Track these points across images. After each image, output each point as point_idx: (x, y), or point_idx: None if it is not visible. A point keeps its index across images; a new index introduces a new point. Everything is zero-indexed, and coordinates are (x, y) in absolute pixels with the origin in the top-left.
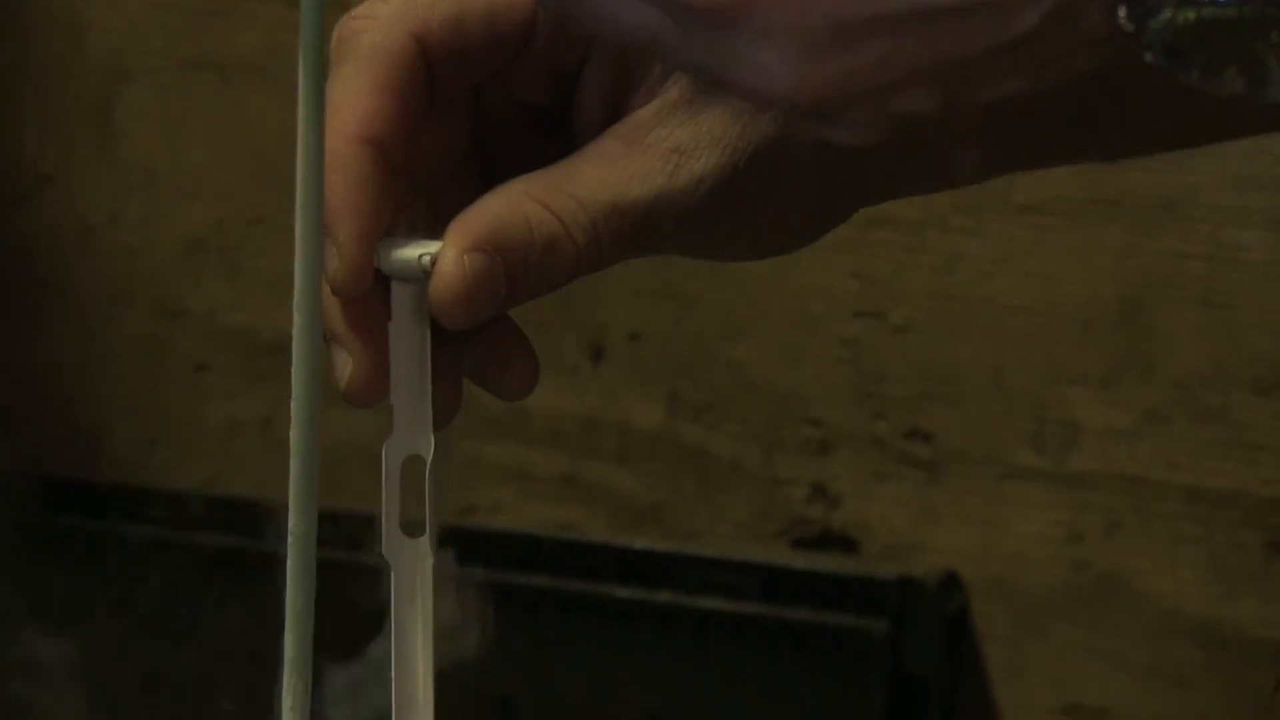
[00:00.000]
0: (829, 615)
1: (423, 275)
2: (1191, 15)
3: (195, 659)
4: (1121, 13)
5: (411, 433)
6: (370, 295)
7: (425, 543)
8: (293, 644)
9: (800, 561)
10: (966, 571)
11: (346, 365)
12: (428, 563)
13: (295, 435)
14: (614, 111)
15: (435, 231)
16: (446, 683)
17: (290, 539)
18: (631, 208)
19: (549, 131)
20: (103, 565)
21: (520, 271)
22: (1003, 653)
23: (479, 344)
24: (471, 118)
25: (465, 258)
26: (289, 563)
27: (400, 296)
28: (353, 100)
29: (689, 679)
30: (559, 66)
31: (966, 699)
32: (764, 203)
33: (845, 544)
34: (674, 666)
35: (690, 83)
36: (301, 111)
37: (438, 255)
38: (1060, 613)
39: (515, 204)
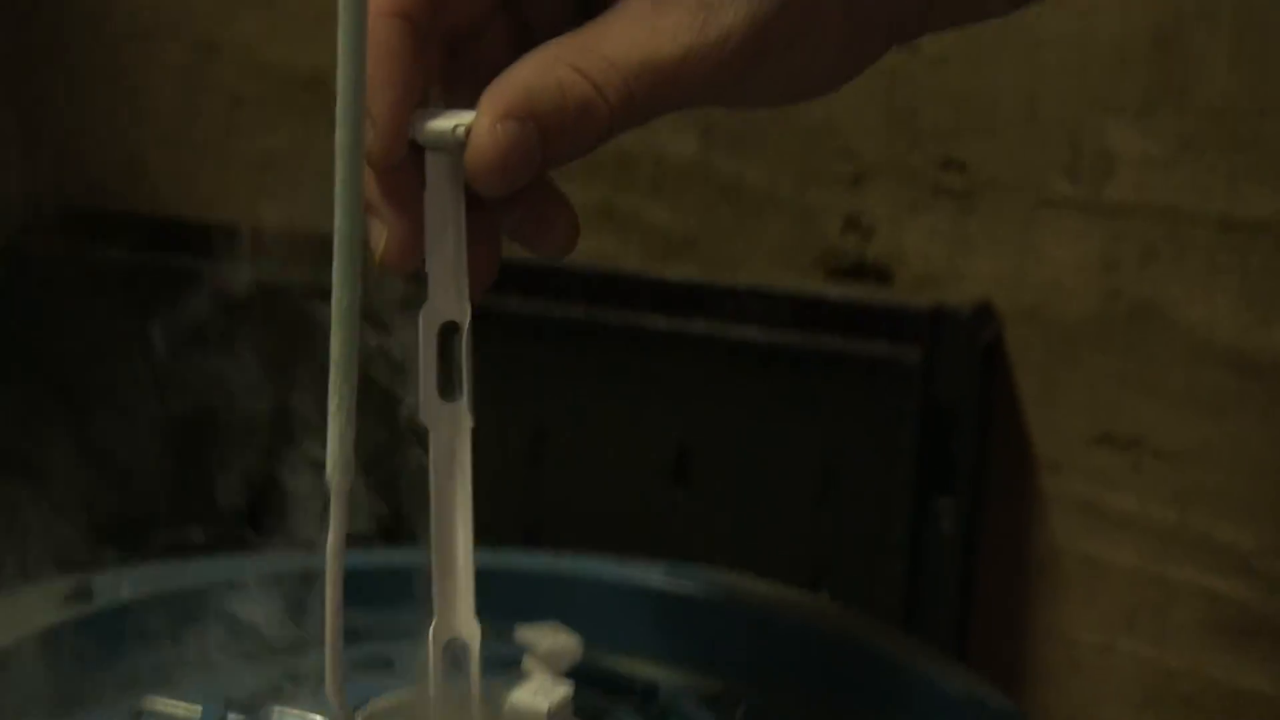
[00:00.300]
0: (862, 344)
1: (457, 145)
2: None
3: (237, 386)
4: None
5: (447, 300)
6: (404, 165)
7: (463, 407)
8: (338, 346)
9: (834, 291)
10: (1000, 300)
11: (381, 234)
12: (466, 427)
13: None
14: None
15: (471, 100)
16: (482, 415)
17: (336, 239)
18: (663, 65)
19: None
20: (140, 295)
21: (554, 136)
22: (1036, 382)
23: (517, 204)
24: None
25: (499, 126)
26: (334, 264)
27: (435, 167)
28: None
29: (722, 409)
30: None
31: (999, 428)
32: (794, 50)
33: (879, 274)
34: (707, 396)
35: None
36: None
37: (471, 125)
38: (1094, 341)
39: (547, 69)
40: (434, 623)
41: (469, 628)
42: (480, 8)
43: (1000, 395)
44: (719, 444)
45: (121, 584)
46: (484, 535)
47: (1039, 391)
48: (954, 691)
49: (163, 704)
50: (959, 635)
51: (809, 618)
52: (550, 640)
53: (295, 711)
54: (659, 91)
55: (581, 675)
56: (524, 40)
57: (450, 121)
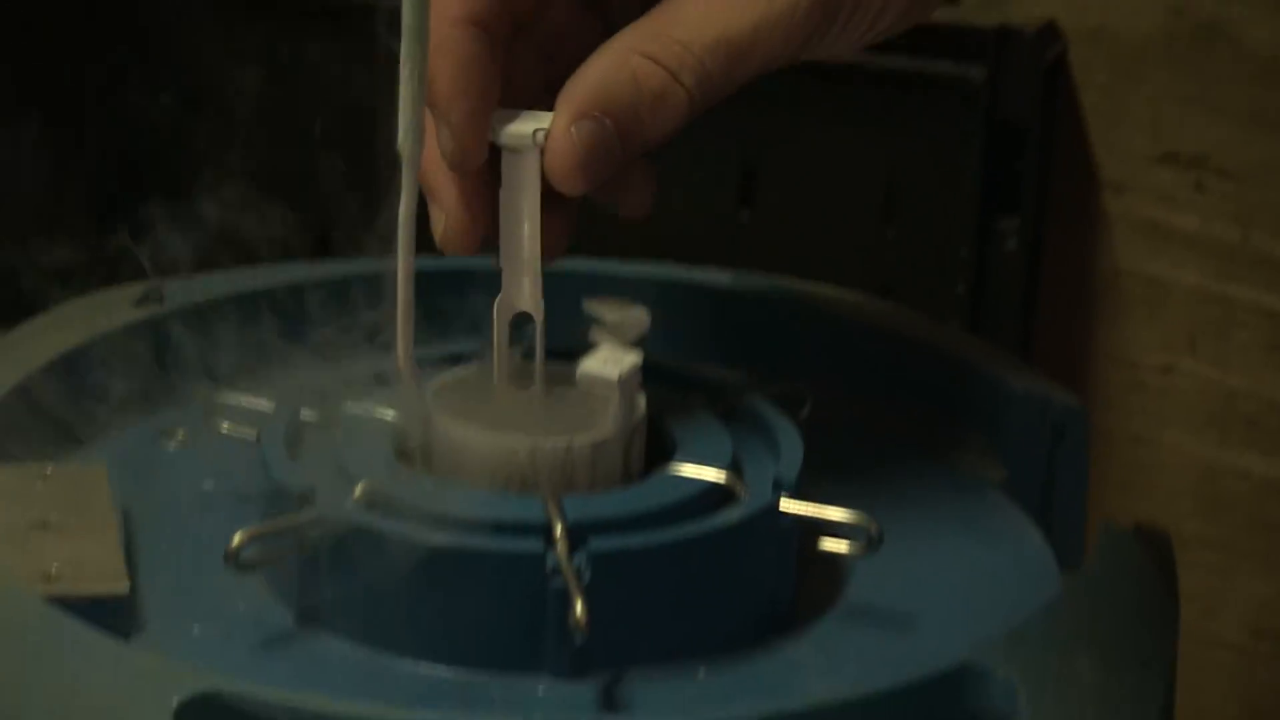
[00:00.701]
0: (927, 63)
1: (535, 148)
2: None
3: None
4: None
5: (520, 293)
6: None
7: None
8: (410, 8)
9: None
10: (1065, 19)
11: (441, 219)
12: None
13: None
14: None
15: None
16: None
17: None
18: (735, 40)
19: None
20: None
21: (632, 128)
22: (1100, 100)
23: None
24: None
25: (573, 128)
26: None
27: (512, 167)
28: None
29: (787, 129)
30: None
31: (1063, 148)
32: (864, 3)
33: None
34: (772, 117)
35: None
36: None
37: (549, 128)
38: (1158, 60)
39: (620, 61)
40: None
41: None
42: (564, 13)
43: (1065, 115)
44: (784, 165)
45: (195, 288)
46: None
47: (1103, 111)
48: (1018, 389)
49: (235, 399)
50: (1021, 356)
51: (874, 318)
52: (618, 312)
53: (365, 404)
54: (735, 67)
55: (648, 373)
56: (610, 27)
57: (529, 125)
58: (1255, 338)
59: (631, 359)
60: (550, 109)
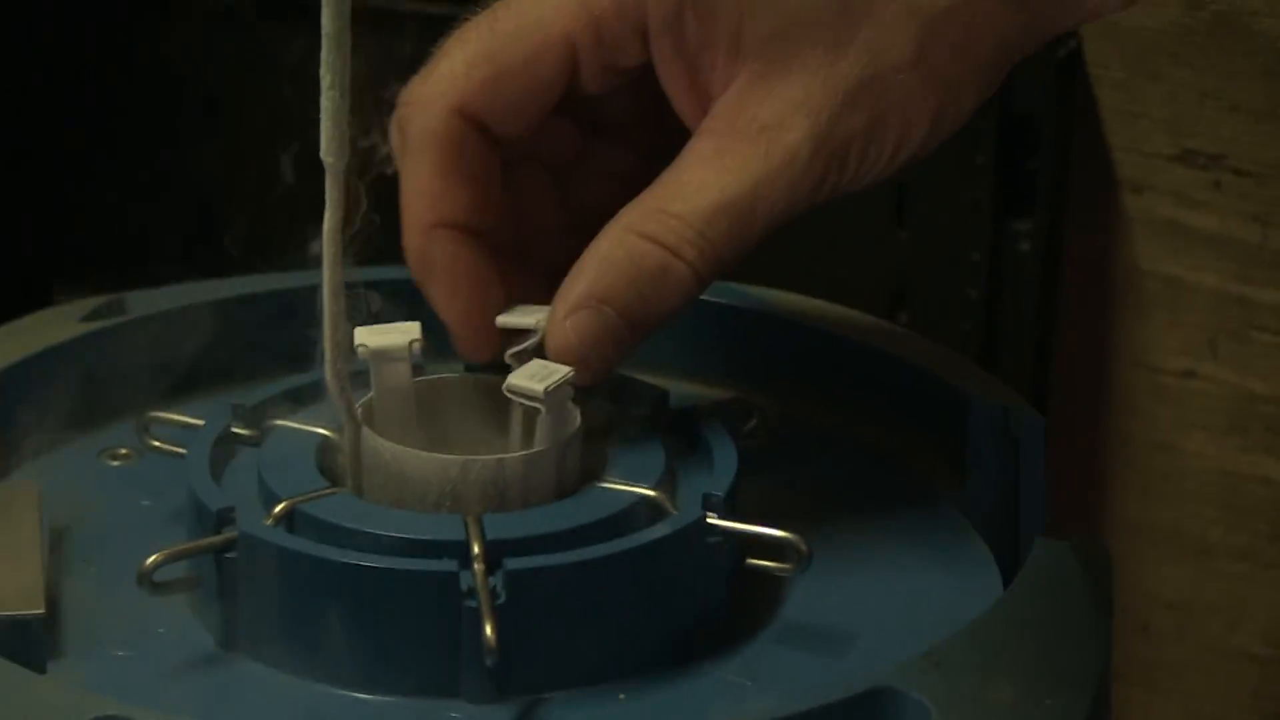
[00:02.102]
0: None
1: (538, 341)
2: None
3: None
4: None
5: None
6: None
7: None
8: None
9: None
10: None
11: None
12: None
13: None
14: (695, 89)
15: None
16: None
17: None
18: (735, 203)
19: (646, 135)
20: None
21: (637, 312)
22: (1116, 96)
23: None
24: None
25: (569, 321)
26: None
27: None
28: (420, 189)
29: None
30: (619, 70)
31: (1078, 146)
32: (879, 137)
33: None
34: None
35: (760, 55)
36: None
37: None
38: (1174, 55)
39: (615, 244)
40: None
41: None
42: (568, 142)
43: (1080, 111)
44: None
45: (156, 301)
46: None
47: (1119, 105)
48: (975, 397)
49: (169, 415)
50: (1040, 362)
51: (829, 323)
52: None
53: (294, 423)
54: (739, 230)
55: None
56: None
57: (531, 318)
58: (1276, 341)
59: (561, 373)
60: (568, 235)
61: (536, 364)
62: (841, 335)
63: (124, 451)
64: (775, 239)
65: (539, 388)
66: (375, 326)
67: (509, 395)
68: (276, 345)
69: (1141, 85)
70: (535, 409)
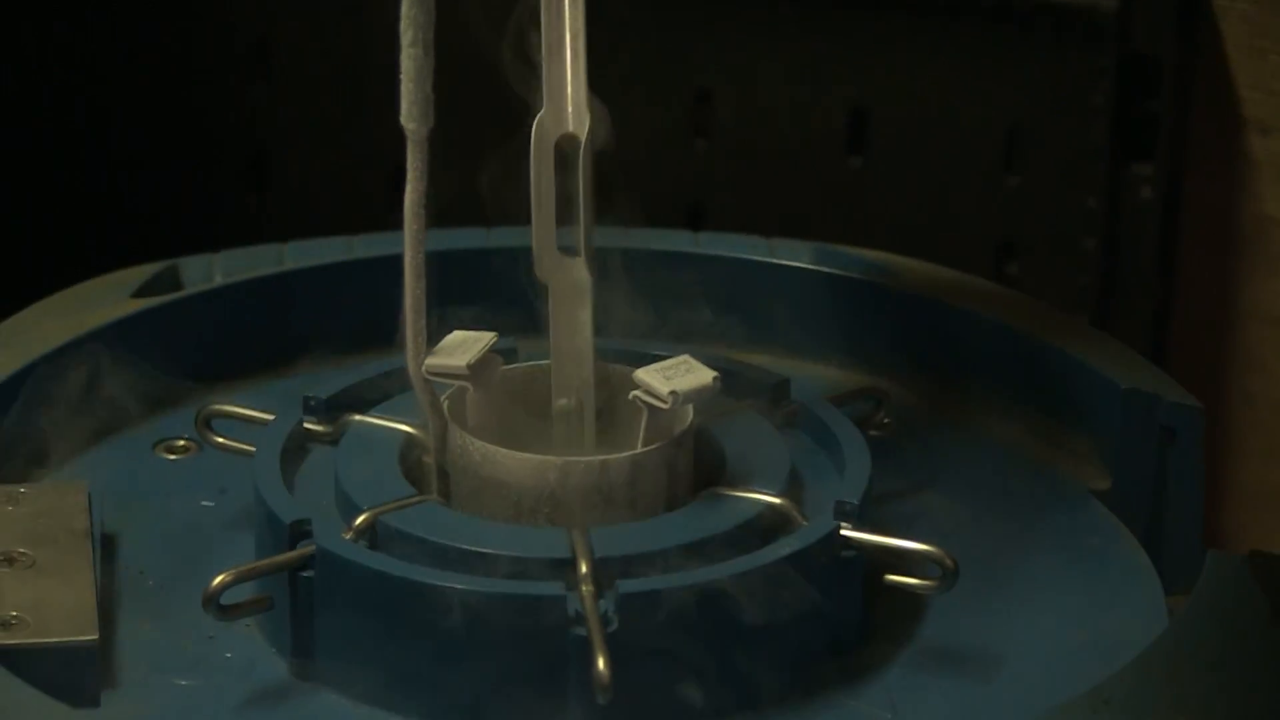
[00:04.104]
0: None
1: None
2: None
3: None
4: None
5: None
6: None
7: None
8: None
9: None
10: None
11: None
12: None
13: None
14: None
15: None
16: (640, 76)
17: None
18: None
19: None
20: None
21: None
22: (1242, 30)
23: None
24: None
25: None
26: None
27: None
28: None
29: (900, 67)
30: None
31: (1203, 85)
32: None
33: None
34: (883, 53)
35: None
36: None
37: None
38: None
39: None
40: (539, 113)
41: (579, 117)
42: None
43: (1203, 47)
44: (897, 107)
45: (213, 270)
46: (642, 210)
47: (1245, 42)
48: (1124, 384)
49: (232, 410)
50: (1159, 317)
51: (964, 299)
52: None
53: (374, 419)
54: None
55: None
56: None
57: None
58: None
59: (701, 379)
60: None
61: (671, 362)
62: (971, 311)
63: (182, 443)
64: (875, 186)
65: (665, 388)
66: (451, 340)
67: (635, 398)
68: (349, 323)
69: (1270, 18)
70: (658, 407)
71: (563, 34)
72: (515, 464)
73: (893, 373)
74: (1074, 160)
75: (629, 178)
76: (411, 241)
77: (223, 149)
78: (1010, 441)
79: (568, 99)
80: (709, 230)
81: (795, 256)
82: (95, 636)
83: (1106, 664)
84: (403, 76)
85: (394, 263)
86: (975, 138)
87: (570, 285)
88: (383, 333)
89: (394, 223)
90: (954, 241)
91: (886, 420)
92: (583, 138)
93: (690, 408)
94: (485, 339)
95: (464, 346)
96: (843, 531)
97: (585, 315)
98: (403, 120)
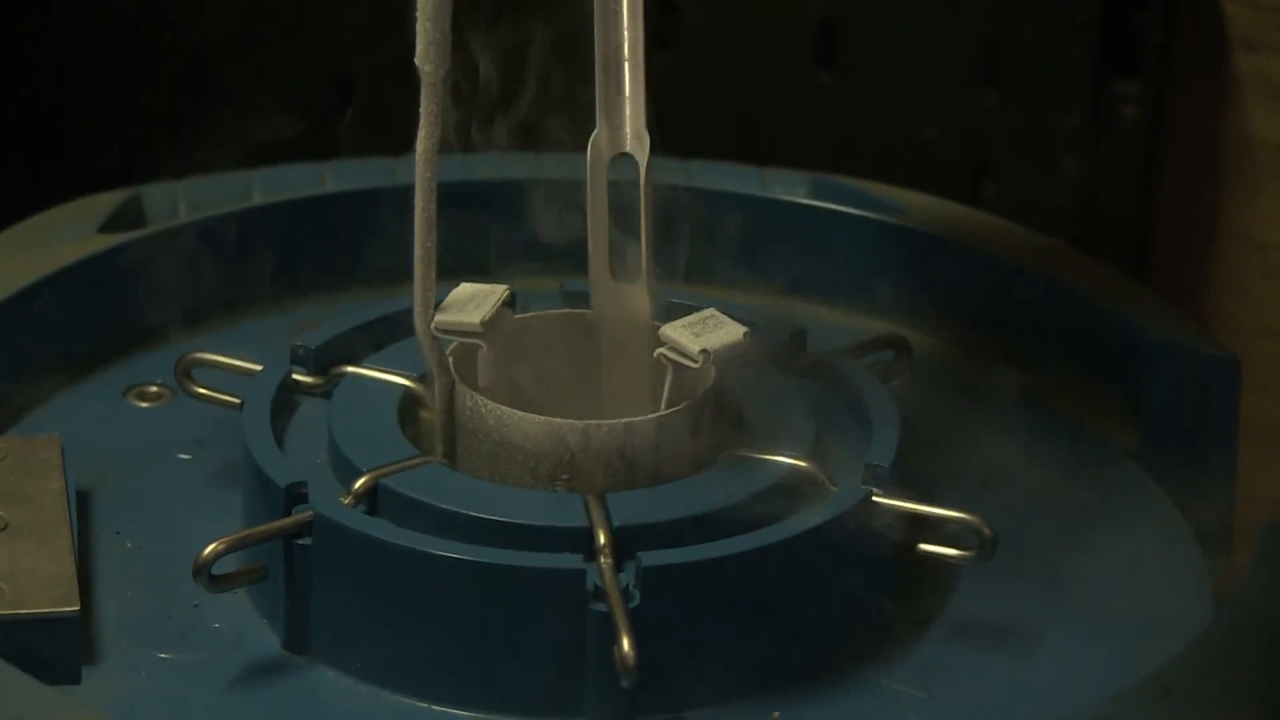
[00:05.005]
0: None
1: None
2: None
3: None
4: None
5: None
6: None
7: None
8: None
9: None
10: None
11: None
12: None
13: None
14: None
15: None
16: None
17: None
18: None
19: None
20: None
21: None
22: None
23: None
24: None
25: None
26: None
27: None
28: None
29: None
30: None
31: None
32: None
33: None
34: None
35: None
36: None
37: None
38: None
39: None
40: (595, 133)
41: (638, 139)
42: None
43: None
44: (868, 17)
45: (177, 199)
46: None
47: None
48: (1156, 336)
49: (214, 359)
50: (1141, 238)
51: (986, 244)
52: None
53: (369, 370)
54: None
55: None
56: None
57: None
58: None
59: (731, 334)
60: None
61: (697, 316)
62: (992, 254)
63: (154, 389)
64: (846, 101)
65: (695, 346)
66: (460, 294)
67: (661, 355)
68: (337, 260)
69: None
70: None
71: (620, 46)
72: (533, 427)
73: (906, 322)
74: (1055, 76)
75: (588, 88)
76: (423, 191)
77: (160, 55)
78: (1038, 397)
79: (625, 119)
80: (670, 152)
81: (792, 191)
82: (77, 607)
83: (1147, 638)
84: (419, 14)
85: (374, 196)
86: (951, 51)
87: (627, 317)
88: (362, 269)
89: (348, 139)
90: (928, 160)
91: (904, 371)
92: (643, 162)
93: (712, 367)
94: (497, 293)
95: (475, 301)
96: (875, 499)
97: (643, 354)
98: (418, 61)
